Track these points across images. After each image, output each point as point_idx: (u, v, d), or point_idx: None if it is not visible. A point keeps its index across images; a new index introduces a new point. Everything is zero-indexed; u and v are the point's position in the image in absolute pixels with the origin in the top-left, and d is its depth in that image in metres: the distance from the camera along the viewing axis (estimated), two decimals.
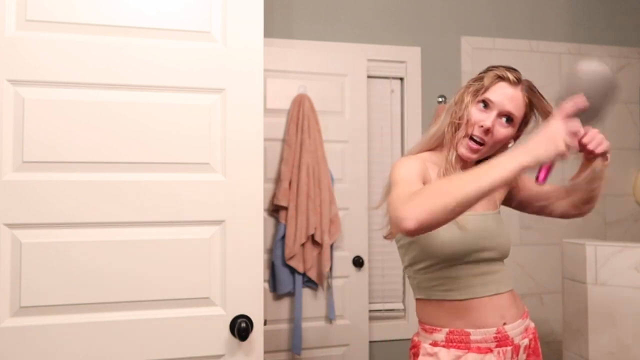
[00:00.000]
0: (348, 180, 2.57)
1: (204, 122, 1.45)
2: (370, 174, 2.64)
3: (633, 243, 1.99)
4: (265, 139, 2.22)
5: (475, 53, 2.79)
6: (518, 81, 1.31)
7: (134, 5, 1.43)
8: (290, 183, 2.42)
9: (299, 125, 2.44)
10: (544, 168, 1.11)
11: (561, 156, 1.03)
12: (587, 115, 1.09)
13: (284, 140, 2.49)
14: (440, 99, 2.73)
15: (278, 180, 2.46)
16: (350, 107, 2.58)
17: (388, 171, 1.35)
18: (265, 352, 2.22)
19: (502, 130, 1.30)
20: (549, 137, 1.04)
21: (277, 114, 2.48)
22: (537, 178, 1.13)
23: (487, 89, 1.30)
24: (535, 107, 1.34)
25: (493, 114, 1.29)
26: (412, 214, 1.03)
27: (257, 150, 1.48)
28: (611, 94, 1.09)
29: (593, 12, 2.97)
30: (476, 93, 1.31)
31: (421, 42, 2.74)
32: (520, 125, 1.34)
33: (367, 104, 2.61)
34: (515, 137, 1.36)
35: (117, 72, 1.40)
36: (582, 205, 1.41)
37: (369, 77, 2.64)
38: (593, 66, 1.09)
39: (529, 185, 1.47)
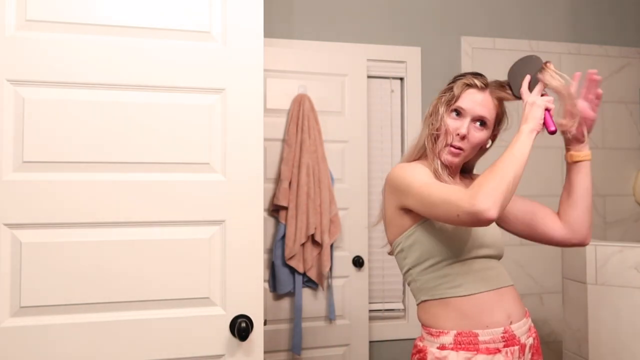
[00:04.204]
0: (348, 180, 2.57)
1: (204, 122, 1.45)
2: (370, 174, 2.64)
3: (633, 243, 1.99)
4: (265, 139, 2.22)
5: (475, 53, 2.78)
6: (485, 86, 1.39)
7: (134, 5, 1.42)
8: (290, 183, 2.42)
9: (299, 125, 2.44)
10: (545, 122, 1.28)
11: (547, 110, 1.27)
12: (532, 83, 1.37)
13: (284, 140, 2.49)
14: None
15: (278, 180, 2.46)
16: (350, 107, 2.58)
17: (388, 171, 1.36)
18: (265, 352, 2.22)
19: (477, 134, 1.37)
20: (530, 104, 1.28)
21: (277, 114, 2.48)
22: (549, 132, 1.28)
23: (457, 97, 1.38)
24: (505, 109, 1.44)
25: (467, 120, 1.37)
26: (490, 203, 1.14)
27: (257, 150, 1.48)
28: (534, 64, 1.37)
29: (593, 12, 2.97)
30: (449, 103, 1.39)
31: (421, 42, 2.74)
32: (494, 125, 1.41)
33: (367, 104, 2.61)
34: (492, 137, 1.43)
35: (117, 72, 1.40)
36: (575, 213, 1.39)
37: (369, 77, 2.64)
38: (517, 60, 1.42)
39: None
